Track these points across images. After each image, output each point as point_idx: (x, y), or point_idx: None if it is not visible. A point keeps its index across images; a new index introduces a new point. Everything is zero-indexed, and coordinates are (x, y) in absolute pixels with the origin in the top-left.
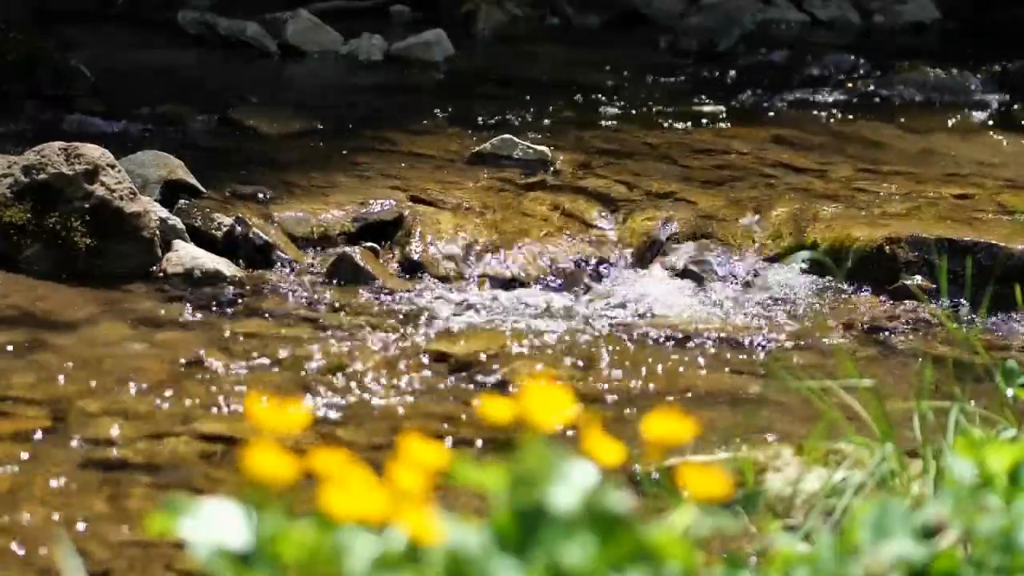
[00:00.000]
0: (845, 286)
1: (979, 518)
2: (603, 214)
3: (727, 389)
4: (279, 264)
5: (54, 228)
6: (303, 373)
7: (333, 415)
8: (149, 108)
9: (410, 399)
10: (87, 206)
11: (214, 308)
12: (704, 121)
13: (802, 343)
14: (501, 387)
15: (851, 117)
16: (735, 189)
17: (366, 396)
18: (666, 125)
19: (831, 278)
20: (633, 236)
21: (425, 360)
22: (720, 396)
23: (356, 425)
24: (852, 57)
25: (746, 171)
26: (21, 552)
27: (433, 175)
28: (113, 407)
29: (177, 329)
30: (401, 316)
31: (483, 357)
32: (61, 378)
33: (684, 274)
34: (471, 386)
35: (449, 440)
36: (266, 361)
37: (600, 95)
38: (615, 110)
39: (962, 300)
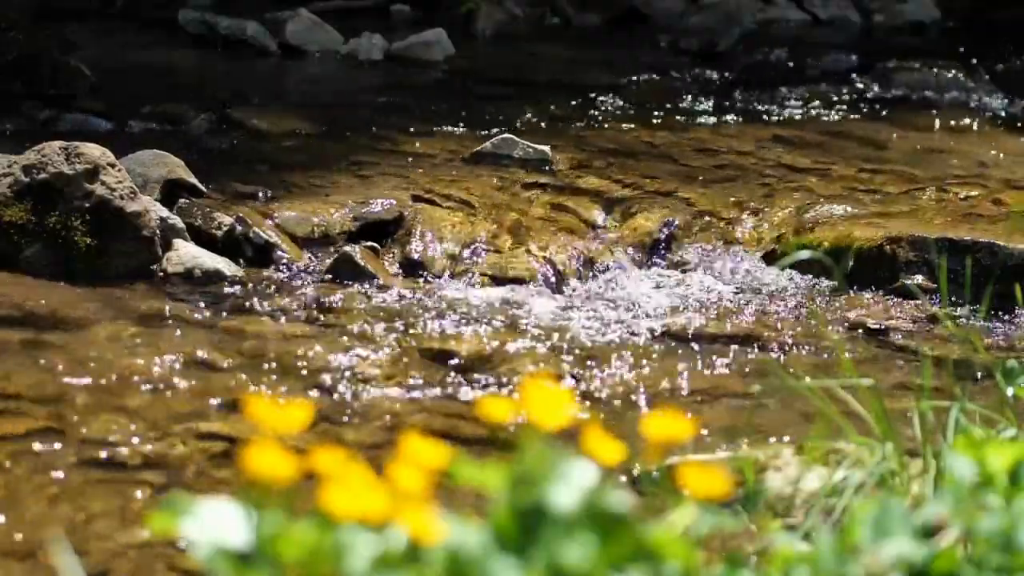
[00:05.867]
0: (845, 286)
1: (979, 517)
2: (603, 213)
3: (727, 389)
4: (279, 263)
5: (54, 227)
6: (303, 372)
7: (333, 415)
8: (149, 107)
9: (410, 398)
10: (87, 205)
11: (214, 307)
12: (704, 121)
13: (802, 343)
14: (501, 387)
15: (851, 117)
16: (735, 189)
17: (366, 395)
18: (666, 125)
19: (831, 278)
20: (633, 235)
21: (425, 359)
22: (720, 396)
23: (356, 425)
24: (852, 57)
25: (746, 171)
26: (21, 552)
27: (433, 174)
28: (113, 407)
29: (177, 328)
30: (401, 315)
31: (483, 356)
32: (61, 378)
33: (684, 273)
34: (471, 385)
35: (449, 440)
36: (266, 360)
37: (600, 95)
38: (615, 110)
39: (962, 300)
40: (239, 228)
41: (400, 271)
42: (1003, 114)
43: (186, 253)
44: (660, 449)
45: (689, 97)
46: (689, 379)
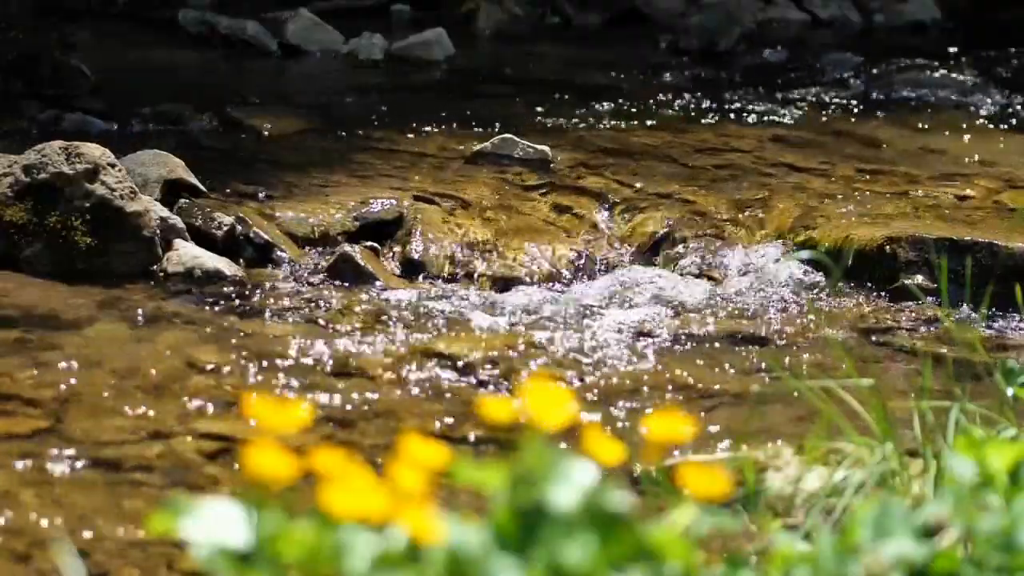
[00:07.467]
0: (845, 286)
1: (979, 517)
2: (603, 213)
3: (727, 389)
4: (279, 263)
5: (55, 227)
6: (303, 372)
7: (333, 415)
8: (149, 107)
9: (410, 399)
10: (88, 205)
11: (215, 307)
12: (704, 121)
13: (802, 342)
14: (501, 387)
15: (851, 117)
16: (735, 188)
17: (366, 396)
18: (666, 125)
19: (831, 278)
20: (633, 235)
21: (425, 360)
22: (720, 396)
23: (356, 425)
24: (852, 57)
25: (746, 171)
26: (21, 552)
27: (433, 174)
28: (113, 407)
29: (177, 328)
30: (401, 315)
31: (483, 357)
32: (61, 378)
33: (684, 273)
34: (471, 386)
35: (449, 440)
36: (266, 361)
37: (600, 95)
38: (615, 110)
39: (962, 300)
40: (239, 228)
41: (400, 271)
42: (1002, 114)
43: (186, 253)
44: (660, 449)
45: (689, 97)
46: (689, 379)
